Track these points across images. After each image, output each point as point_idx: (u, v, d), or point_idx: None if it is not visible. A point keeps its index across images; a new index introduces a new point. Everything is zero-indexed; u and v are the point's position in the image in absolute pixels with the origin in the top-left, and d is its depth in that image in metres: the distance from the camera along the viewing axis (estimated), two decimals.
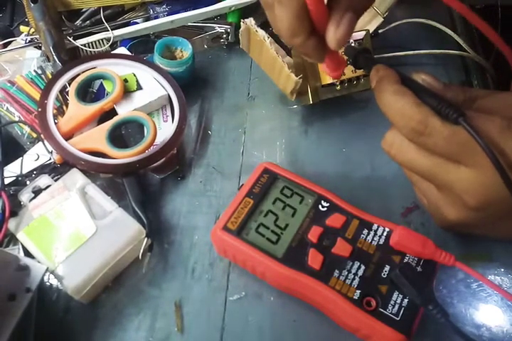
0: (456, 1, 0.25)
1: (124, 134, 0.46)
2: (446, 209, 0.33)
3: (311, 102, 0.44)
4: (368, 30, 0.44)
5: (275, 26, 0.32)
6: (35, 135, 0.44)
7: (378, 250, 0.34)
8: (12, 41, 0.53)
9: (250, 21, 0.43)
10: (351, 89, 0.45)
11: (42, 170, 0.42)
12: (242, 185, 0.38)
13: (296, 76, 0.41)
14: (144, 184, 0.43)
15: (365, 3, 0.32)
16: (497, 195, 0.28)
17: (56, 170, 0.42)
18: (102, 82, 0.47)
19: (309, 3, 0.28)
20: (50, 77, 0.46)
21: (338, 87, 0.45)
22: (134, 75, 0.47)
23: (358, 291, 0.32)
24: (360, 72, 0.45)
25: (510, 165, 0.28)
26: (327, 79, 0.44)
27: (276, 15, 0.30)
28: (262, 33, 0.42)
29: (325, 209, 0.36)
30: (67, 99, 0.45)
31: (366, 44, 0.44)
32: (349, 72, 0.44)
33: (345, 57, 0.41)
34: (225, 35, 0.53)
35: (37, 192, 0.40)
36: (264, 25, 0.43)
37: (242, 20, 0.44)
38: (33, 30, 0.52)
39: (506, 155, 0.28)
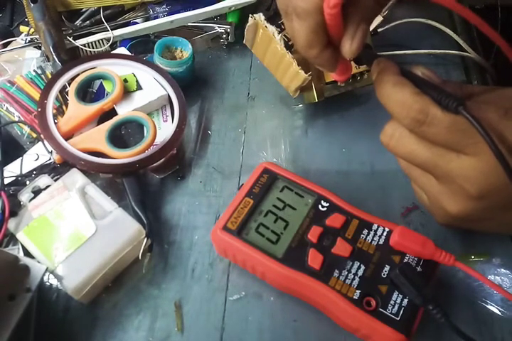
0: (457, 4, 0.26)
1: (123, 134, 0.46)
2: (447, 201, 0.32)
3: (317, 100, 0.44)
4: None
5: (291, 36, 0.33)
6: (34, 135, 0.44)
7: (378, 250, 0.34)
8: (12, 41, 0.53)
9: (260, 16, 0.42)
10: (355, 84, 0.45)
11: (42, 170, 0.42)
12: (242, 185, 0.38)
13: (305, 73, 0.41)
14: (144, 184, 0.43)
15: (374, 13, 0.34)
16: (498, 182, 0.28)
17: (56, 170, 0.42)
18: (101, 82, 0.47)
19: (328, 19, 0.29)
20: (50, 77, 0.46)
21: (342, 84, 0.45)
22: (134, 75, 0.47)
23: (358, 291, 0.32)
24: (363, 67, 0.45)
25: (511, 151, 0.28)
26: (331, 76, 0.44)
27: (293, 27, 0.31)
28: (271, 28, 0.42)
29: (325, 209, 0.36)
30: (67, 99, 0.45)
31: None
32: (353, 67, 0.44)
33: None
34: (224, 35, 0.53)
35: (37, 192, 0.40)
36: (268, 21, 0.43)
37: (250, 14, 0.43)
38: (32, 30, 0.52)
39: (507, 141, 0.28)
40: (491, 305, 0.36)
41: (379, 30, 0.51)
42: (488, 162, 0.28)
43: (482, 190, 0.29)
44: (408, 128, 0.31)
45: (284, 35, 0.43)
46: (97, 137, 0.42)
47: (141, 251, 0.37)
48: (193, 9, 0.53)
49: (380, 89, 0.32)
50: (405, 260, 0.33)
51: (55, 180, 0.40)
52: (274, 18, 0.44)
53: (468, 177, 0.30)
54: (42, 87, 0.45)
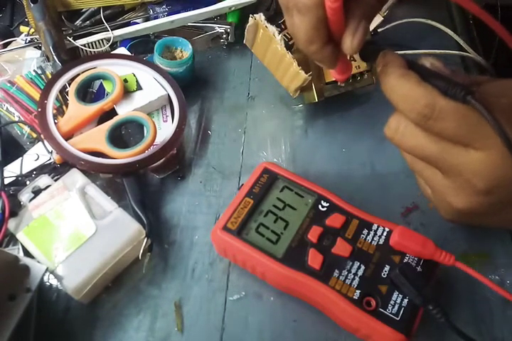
0: (469, 2, 0.26)
1: (124, 134, 0.46)
2: (454, 196, 0.32)
3: (317, 100, 0.44)
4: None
5: (292, 32, 0.33)
6: (35, 135, 0.44)
7: (378, 250, 0.34)
8: (12, 41, 0.53)
9: (260, 16, 0.43)
10: (355, 84, 0.46)
11: (42, 170, 0.42)
12: (242, 185, 0.38)
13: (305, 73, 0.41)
14: (144, 184, 0.43)
15: (375, 10, 0.33)
16: (506, 176, 0.28)
17: (56, 170, 0.42)
18: (101, 82, 0.47)
19: (329, 13, 0.29)
20: (50, 77, 0.46)
21: (343, 84, 0.45)
22: (134, 75, 0.47)
23: (358, 291, 0.32)
24: (363, 67, 0.45)
25: None
26: (331, 76, 0.44)
27: (294, 23, 0.31)
28: (271, 28, 0.42)
29: (325, 209, 0.36)
30: (67, 99, 0.45)
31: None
32: (353, 68, 0.44)
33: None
34: (224, 35, 0.53)
35: (37, 192, 0.40)
36: (269, 21, 0.43)
37: (251, 15, 0.43)
38: (32, 30, 0.52)
39: None
40: (491, 305, 0.36)
41: (379, 30, 0.51)
42: (498, 156, 0.28)
43: (490, 185, 0.29)
44: (414, 122, 0.30)
45: (285, 35, 0.43)
46: (97, 137, 0.42)
47: (141, 251, 0.37)
48: (193, 9, 0.53)
49: (385, 82, 0.31)
50: (405, 260, 0.33)
51: (55, 180, 0.40)
52: (274, 18, 0.44)
53: (476, 172, 0.29)
54: (42, 87, 0.45)
